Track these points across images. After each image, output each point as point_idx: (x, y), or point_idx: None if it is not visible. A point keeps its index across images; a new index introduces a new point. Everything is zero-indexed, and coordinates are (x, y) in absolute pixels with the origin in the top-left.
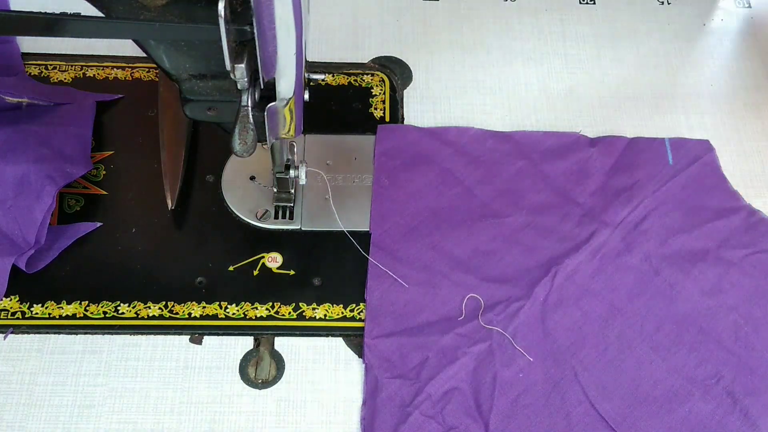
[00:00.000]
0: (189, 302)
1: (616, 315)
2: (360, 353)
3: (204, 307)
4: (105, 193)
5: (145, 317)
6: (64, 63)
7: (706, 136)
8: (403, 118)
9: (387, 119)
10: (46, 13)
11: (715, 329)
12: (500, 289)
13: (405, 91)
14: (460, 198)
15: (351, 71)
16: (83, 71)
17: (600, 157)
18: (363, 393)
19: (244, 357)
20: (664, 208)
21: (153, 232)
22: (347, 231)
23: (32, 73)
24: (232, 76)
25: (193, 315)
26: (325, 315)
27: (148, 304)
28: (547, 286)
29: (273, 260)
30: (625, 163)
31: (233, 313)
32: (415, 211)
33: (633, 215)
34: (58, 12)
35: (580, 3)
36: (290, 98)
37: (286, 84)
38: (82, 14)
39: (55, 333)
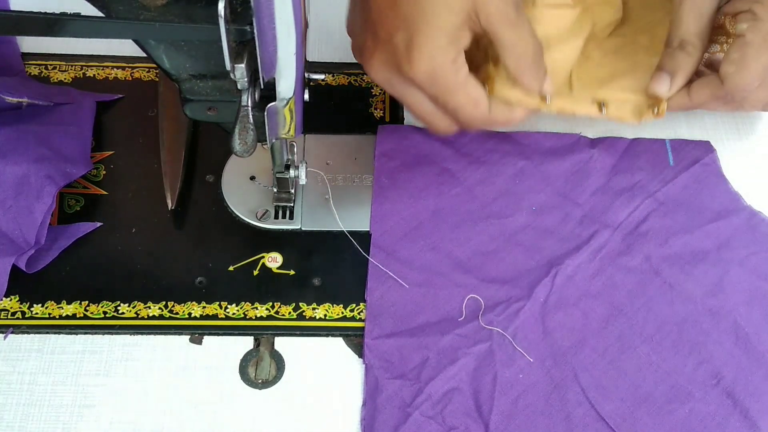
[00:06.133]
0: (189, 302)
1: (616, 316)
2: (360, 353)
3: (204, 307)
4: (105, 193)
5: (145, 317)
6: (64, 63)
7: (706, 137)
8: (403, 119)
9: (387, 119)
10: (46, 13)
11: (715, 330)
12: (501, 289)
13: None
14: (460, 198)
15: (351, 71)
16: (83, 71)
17: (600, 157)
18: (363, 394)
19: (244, 357)
20: (664, 209)
21: (153, 232)
22: (347, 231)
23: (32, 73)
24: (232, 76)
25: (193, 315)
26: (325, 315)
27: (148, 304)
28: (547, 286)
29: (273, 260)
30: (626, 164)
31: (233, 313)
32: (416, 211)
33: (633, 216)
34: (58, 12)
35: None
36: (290, 98)
37: (286, 84)
38: (82, 14)
39: (55, 333)
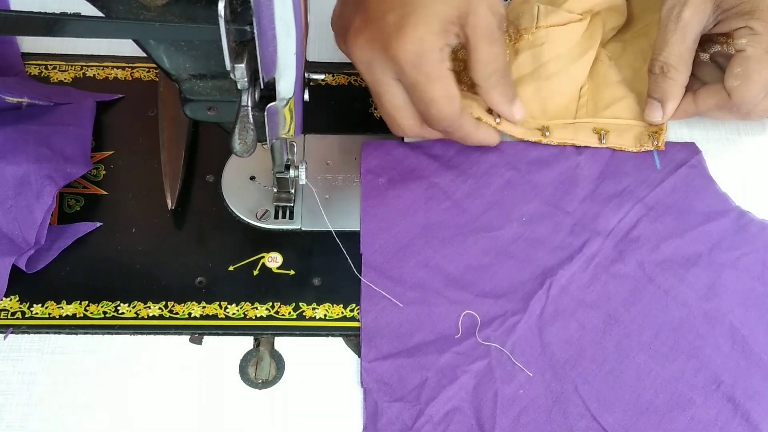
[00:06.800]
0: (189, 302)
1: (612, 325)
2: (359, 352)
3: (204, 307)
4: (105, 193)
5: (145, 317)
6: (64, 63)
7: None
8: None
9: None
10: (46, 13)
11: (712, 334)
12: (496, 304)
13: None
14: (449, 213)
15: (351, 71)
16: (83, 71)
17: (587, 164)
18: (363, 418)
19: (244, 357)
20: (654, 214)
21: (153, 232)
22: (349, 231)
23: (32, 73)
24: (232, 76)
25: (193, 315)
26: (325, 315)
27: (148, 304)
28: (542, 298)
29: (273, 260)
30: (613, 169)
31: (233, 313)
32: (405, 228)
33: (624, 222)
34: (58, 12)
35: None
36: (290, 98)
37: (286, 84)
38: (82, 14)
39: (55, 333)
